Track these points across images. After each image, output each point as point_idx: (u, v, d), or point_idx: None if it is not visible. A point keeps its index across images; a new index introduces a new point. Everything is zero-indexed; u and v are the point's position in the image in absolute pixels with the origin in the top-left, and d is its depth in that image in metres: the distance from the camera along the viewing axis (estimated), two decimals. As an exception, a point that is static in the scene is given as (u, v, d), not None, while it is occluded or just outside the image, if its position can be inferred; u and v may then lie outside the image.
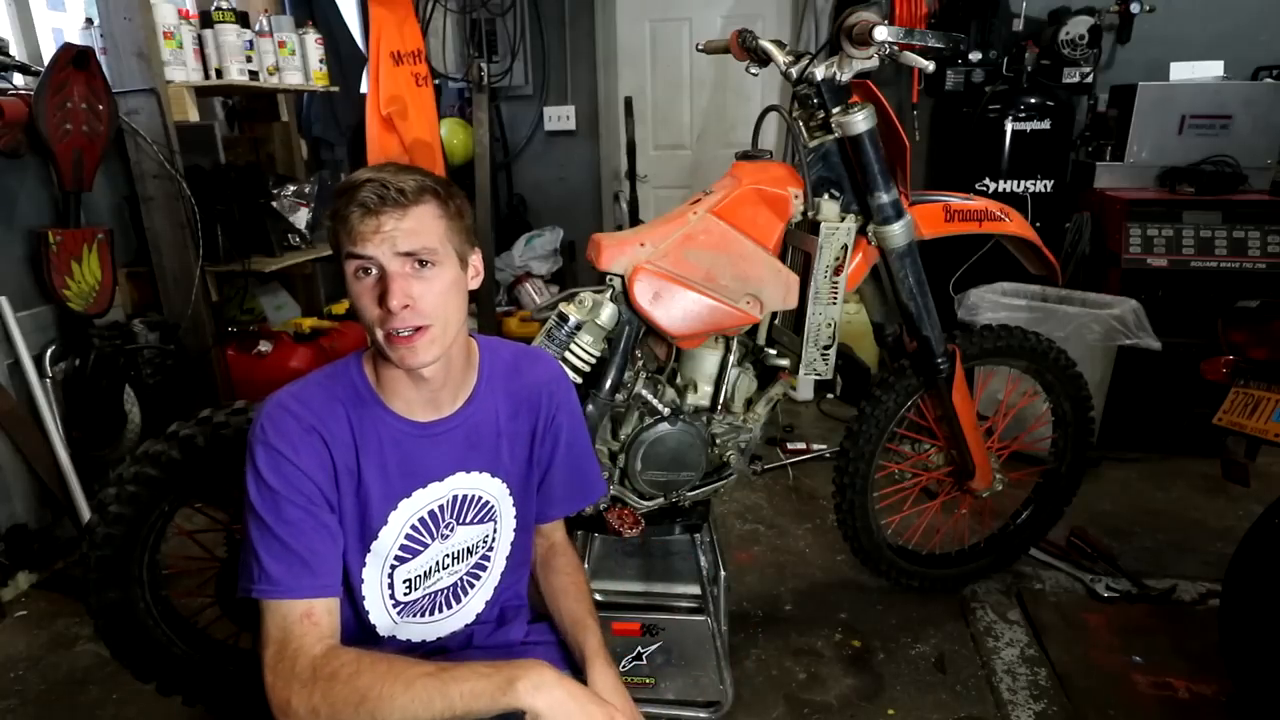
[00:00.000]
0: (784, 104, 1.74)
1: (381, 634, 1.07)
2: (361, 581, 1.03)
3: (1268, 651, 1.53)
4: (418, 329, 0.92)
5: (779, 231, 1.64)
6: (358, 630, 1.07)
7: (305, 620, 0.93)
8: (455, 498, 1.08)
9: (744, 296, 1.58)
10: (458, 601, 1.13)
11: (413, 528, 1.05)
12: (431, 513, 1.06)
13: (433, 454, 1.04)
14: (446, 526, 1.08)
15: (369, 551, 1.02)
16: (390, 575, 1.05)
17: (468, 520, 1.10)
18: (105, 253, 2.27)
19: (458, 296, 0.97)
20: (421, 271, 0.92)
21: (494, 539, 1.14)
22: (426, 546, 1.06)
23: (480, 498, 1.10)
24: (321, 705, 0.86)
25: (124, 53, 2.30)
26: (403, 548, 1.05)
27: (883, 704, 1.77)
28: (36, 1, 2.55)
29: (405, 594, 1.06)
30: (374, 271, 0.91)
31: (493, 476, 1.10)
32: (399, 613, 1.07)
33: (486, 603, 1.16)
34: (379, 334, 0.93)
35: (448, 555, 1.09)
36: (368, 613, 1.05)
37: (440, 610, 1.12)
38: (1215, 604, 1.85)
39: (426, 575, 1.08)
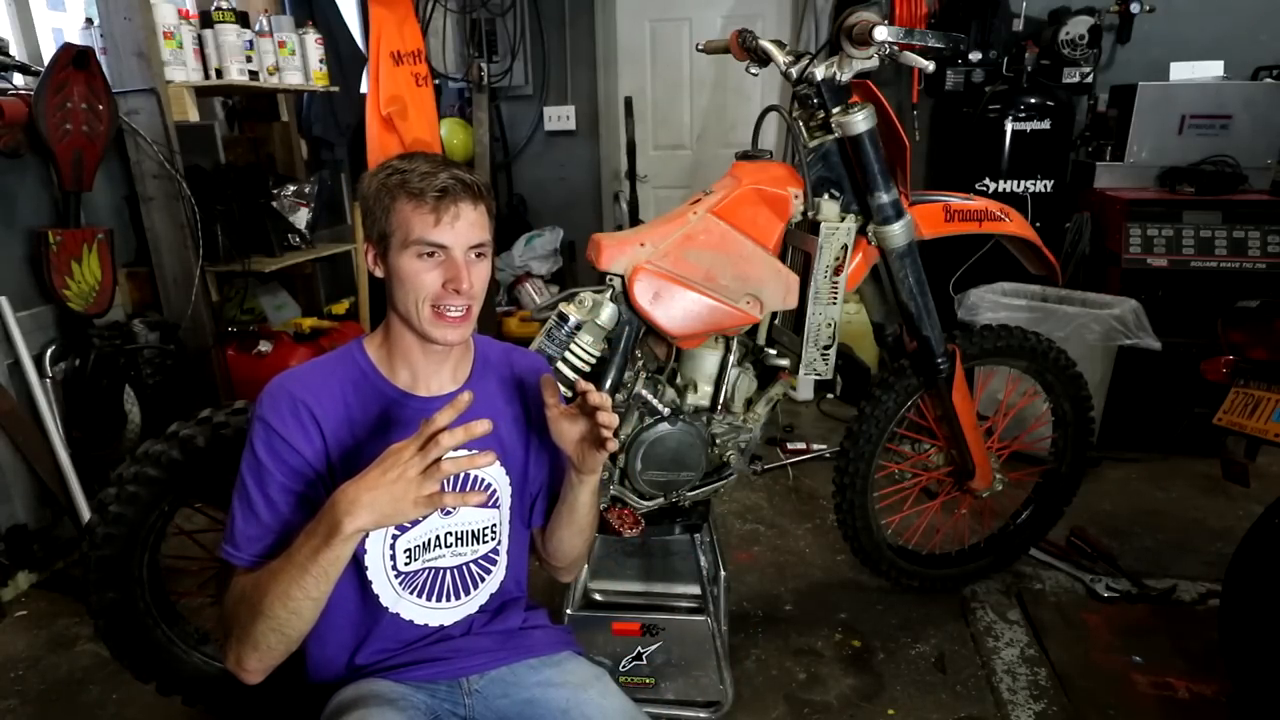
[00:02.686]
0: (784, 104, 1.74)
1: (385, 605, 1.09)
2: (365, 552, 1.05)
3: (1268, 651, 1.53)
4: (467, 310, 1.04)
5: (779, 231, 1.64)
6: (362, 604, 1.08)
7: (243, 578, 1.00)
8: (459, 475, 1.09)
9: (744, 296, 1.58)
10: (466, 593, 1.14)
11: None
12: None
13: None
14: None
15: None
16: (392, 545, 1.07)
17: (473, 502, 1.11)
18: (105, 253, 2.27)
19: (489, 284, 1.08)
20: (476, 260, 1.04)
21: (500, 531, 1.15)
22: (425, 517, 1.08)
23: (482, 479, 1.13)
24: (237, 631, 0.96)
25: (124, 53, 2.30)
26: None
27: (883, 704, 1.77)
28: (36, 1, 2.55)
29: (406, 564, 1.08)
30: (438, 255, 1.01)
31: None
32: (401, 584, 1.09)
33: (492, 594, 1.17)
34: (426, 309, 1.02)
35: (450, 534, 1.11)
36: (371, 583, 1.07)
37: (447, 598, 1.13)
38: (1215, 604, 1.85)
39: (426, 547, 1.09)
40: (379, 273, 1.06)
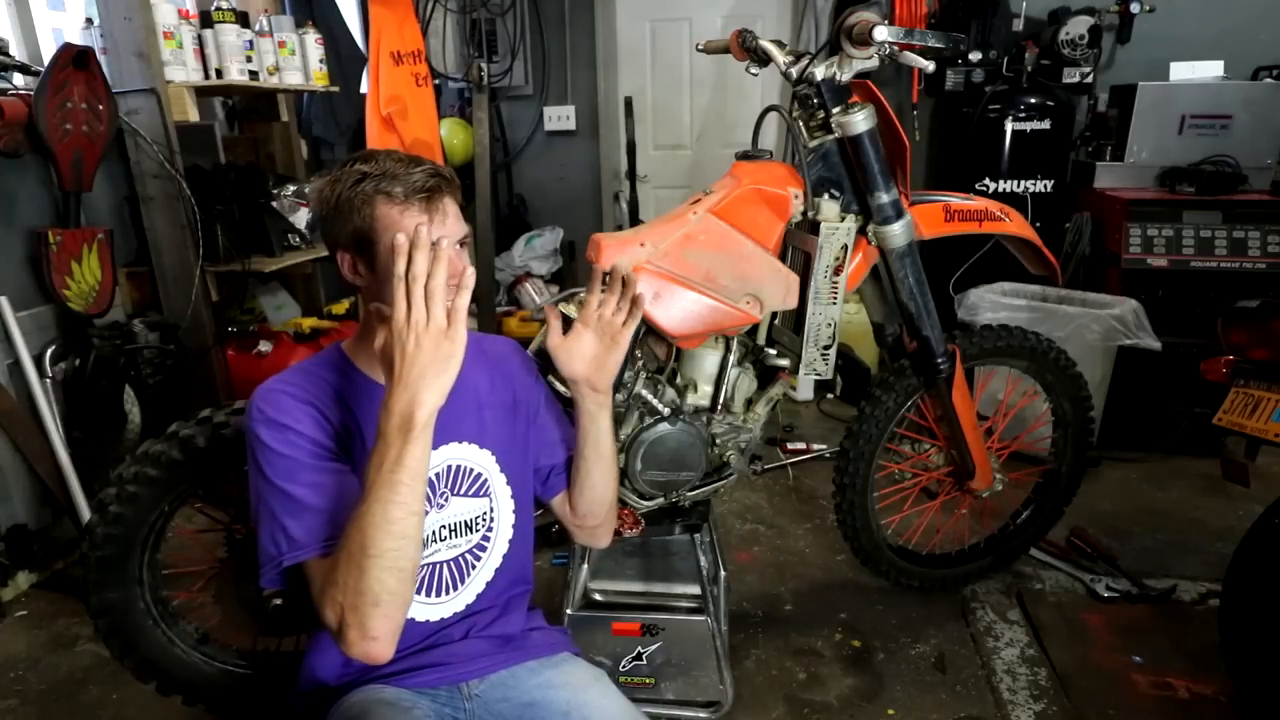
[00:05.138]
0: (784, 104, 1.74)
1: None
2: None
3: (1268, 651, 1.53)
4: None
5: (779, 231, 1.63)
6: None
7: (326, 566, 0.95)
8: (449, 467, 1.11)
9: (744, 296, 1.58)
10: (462, 582, 1.14)
11: None
12: (428, 480, 1.07)
13: None
14: (441, 496, 1.11)
15: None
16: None
17: (463, 492, 1.13)
18: (105, 253, 2.27)
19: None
20: (460, 252, 1.04)
21: (493, 517, 1.16)
22: (424, 515, 1.08)
23: (471, 469, 1.13)
24: (349, 599, 0.87)
25: (124, 53, 2.30)
26: None
27: (883, 704, 1.77)
28: (36, 1, 2.55)
29: None
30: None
31: (480, 448, 1.14)
32: None
33: (488, 584, 1.17)
34: None
35: (444, 527, 1.11)
36: None
37: (445, 592, 1.13)
38: (1215, 604, 1.85)
39: (424, 544, 1.09)
40: (360, 281, 1.05)
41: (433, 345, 0.85)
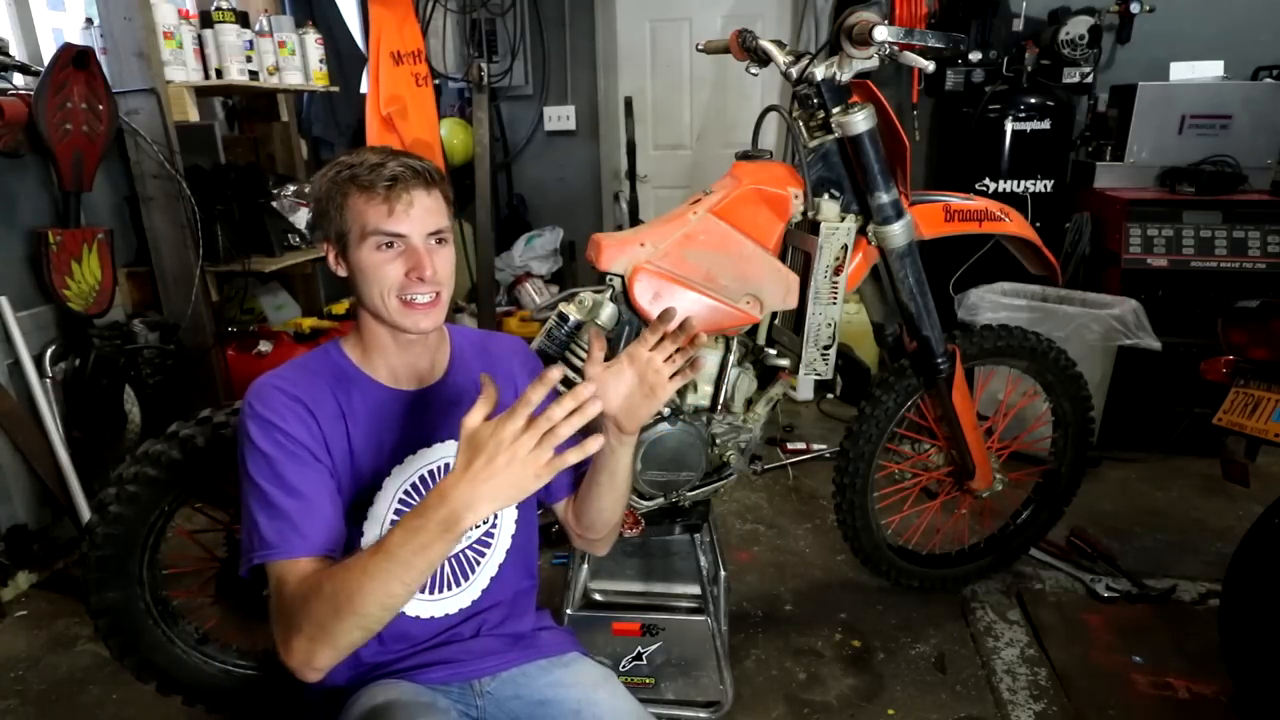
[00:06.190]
0: (784, 104, 1.74)
1: None
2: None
3: (1268, 651, 1.53)
4: (435, 295, 1.03)
5: (779, 231, 1.64)
6: None
7: (292, 572, 0.94)
8: (447, 465, 1.11)
9: (744, 296, 1.58)
10: (464, 579, 1.15)
11: (405, 493, 1.08)
12: (423, 478, 1.10)
13: (421, 420, 1.10)
14: None
15: (366, 519, 1.06)
16: None
17: None
18: (105, 253, 2.27)
19: (455, 269, 1.08)
20: (437, 247, 1.03)
21: (495, 514, 1.15)
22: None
23: None
24: (310, 629, 0.88)
25: (124, 53, 2.30)
26: (397, 512, 1.08)
27: (883, 704, 1.77)
28: (36, 1, 2.55)
29: None
30: (397, 244, 1.00)
31: None
32: None
33: (492, 579, 1.17)
34: (393, 300, 1.01)
35: None
36: None
37: (446, 588, 1.13)
38: (1215, 604, 1.85)
39: None
40: (341, 272, 1.06)
41: (518, 470, 0.82)
